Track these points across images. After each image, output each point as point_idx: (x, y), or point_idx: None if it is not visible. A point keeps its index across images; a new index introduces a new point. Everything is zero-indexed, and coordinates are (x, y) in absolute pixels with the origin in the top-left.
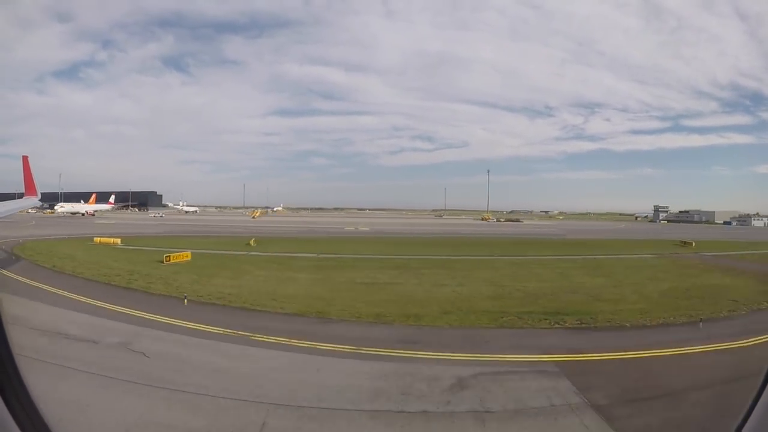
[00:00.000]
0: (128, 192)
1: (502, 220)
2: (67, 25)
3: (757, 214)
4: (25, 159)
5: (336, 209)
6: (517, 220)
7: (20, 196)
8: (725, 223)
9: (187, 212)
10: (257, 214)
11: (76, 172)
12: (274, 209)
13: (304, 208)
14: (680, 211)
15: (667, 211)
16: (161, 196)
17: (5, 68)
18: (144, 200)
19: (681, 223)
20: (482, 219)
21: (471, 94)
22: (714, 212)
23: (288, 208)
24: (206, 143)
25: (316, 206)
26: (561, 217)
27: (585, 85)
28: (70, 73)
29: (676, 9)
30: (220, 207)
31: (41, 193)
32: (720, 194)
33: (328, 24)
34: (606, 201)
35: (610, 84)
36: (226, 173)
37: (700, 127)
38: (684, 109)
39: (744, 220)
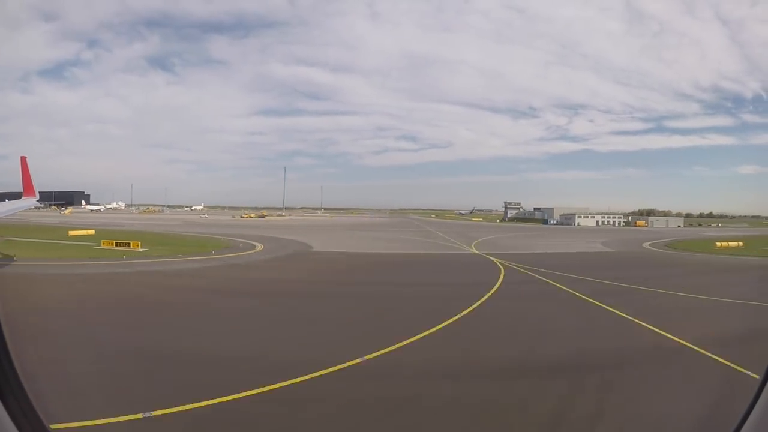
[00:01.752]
0: (51, 192)
1: (253, 216)
2: (53, 25)
3: (596, 214)
4: (23, 160)
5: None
6: (263, 216)
7: (13, 195)
8: (544, 221)
9: (91, 210)
10: (68, 212)
11: (60, 172)
12: (193, 207)
13: (230, 207)
14: (535, 208)
15: (518, 208)
16: (89, 195)
17: None
18: (70, 199)
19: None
20: (241, 217)
21: (455, 95)
22: (552, 209)
23: (209, 207)
24: (191, 142)
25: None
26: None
27: (569, 86)
28: (55, 72)
29: (658, 13)
30: (175, 206)
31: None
32: (702, 194)
33: (314, 25)
34: (589, 201)
35: (593, 86)
36: (211, 172)
37: (683, 128)
38: (666, 110)
39: (569, 218)
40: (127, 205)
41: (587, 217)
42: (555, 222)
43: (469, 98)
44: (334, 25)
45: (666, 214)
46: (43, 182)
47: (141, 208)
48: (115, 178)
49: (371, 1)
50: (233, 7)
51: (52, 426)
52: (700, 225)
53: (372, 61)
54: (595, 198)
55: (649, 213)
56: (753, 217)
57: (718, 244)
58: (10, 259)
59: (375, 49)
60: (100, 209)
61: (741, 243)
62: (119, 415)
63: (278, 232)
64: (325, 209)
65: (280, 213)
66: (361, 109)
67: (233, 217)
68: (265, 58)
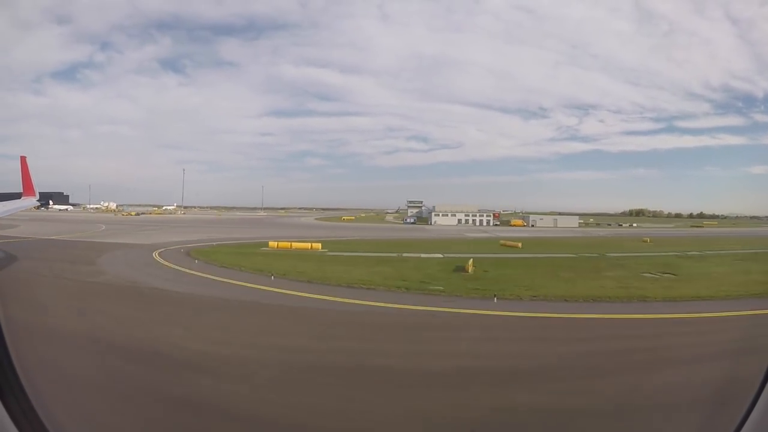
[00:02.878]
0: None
1: (133, 214)
2: (66, 27)
3: (460, 212)
4: (23, 159)
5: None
6: (139, 214)
7: (18, 195)
8: (405, 220)
9: (60, 210)
10: None
11: (72, 173)
12: (164, 207)
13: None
14: (434, 207)
15: (420, 207)
16: (68, 196)
17: (3, 69)
18: (49, 199)
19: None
20: (122, 214)
21: (466, 96)
22: (435, 206)
23: (179, 206)
24: (202, 143)
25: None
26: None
27: (579, 86)
28: (67, 74)
29: (668, 13)
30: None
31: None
32: (713, 195)
33: (324, 27)
34: (599, 201)
35: (603, 86)
36: (221, 173)
37: (693, 128)
38: (677, 110)
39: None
40: (118, 206)
41: (447, 215)
42: (413, 221)
43: (480, 99)
44: (344, 27)
45: (656, 214)
46: (54, 183)
47: (101, 208)
48: (127, 178)
49: (381, 2)
50: (244, 10)
51: (52, 427)
52: (609, 225)
53: (382, 62)
54: (605, 198)
55: (639, 213)
56: (752, 217)
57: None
58: None
59: (385, 50)
60: (67, 209)
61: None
62: None
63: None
64: (265, 208)
65: (169, 209)
66: (371, 109)
67: (115, 214)
68: (275, 59)
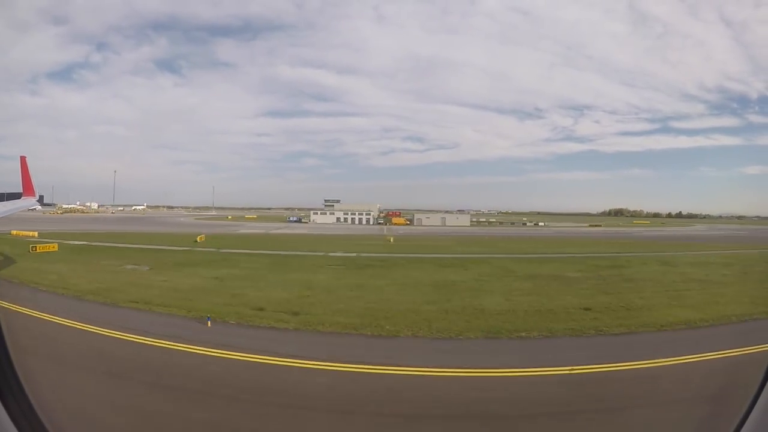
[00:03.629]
0: (3, 193)
1: (59, 213)
2: (63, 28)
3: (340, 210)
4: (23, 159)
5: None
6: (61, 213)
7: (17, 196)
8: (289, 219)
9: (28, 209)
10: None
11: (68, 173)
12: (133, 208)
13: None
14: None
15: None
16: (43, 196)
17: (0, 70)
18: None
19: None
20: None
21: (461, 96)
22: (334, 205)
23: (150, 207)
24: (198, 144)
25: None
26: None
27: (574, 87)
28: (63, 74)
29: (662, 15)
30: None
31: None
32: (708, 195)
33: (320, 28)
34: (595, 201)
35: (598, 87)
36: (217, 173)
37: (688, 129)
38: (672, 111)
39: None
40: (100, 206)
41: (326, 213)
42: (296, 219)
43: (476, 99)
44: (340, 28)
45: (635, 214)
46: (51, 183)
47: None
48: (123, 179)
49: (377, 4)
50: (241, 10)
51: (52, 427)
52: (512, 224)
53: (378, 63)
54: (600, 198)
55: (618, 213)
56: (739, 217)
57: None
58: None
59: (381, 51)
60: (35, 208)
61: None
62: None
63: None
64: (217, 208)
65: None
66: (367, 110)
67: (44, 213)
68: (272, 60)
